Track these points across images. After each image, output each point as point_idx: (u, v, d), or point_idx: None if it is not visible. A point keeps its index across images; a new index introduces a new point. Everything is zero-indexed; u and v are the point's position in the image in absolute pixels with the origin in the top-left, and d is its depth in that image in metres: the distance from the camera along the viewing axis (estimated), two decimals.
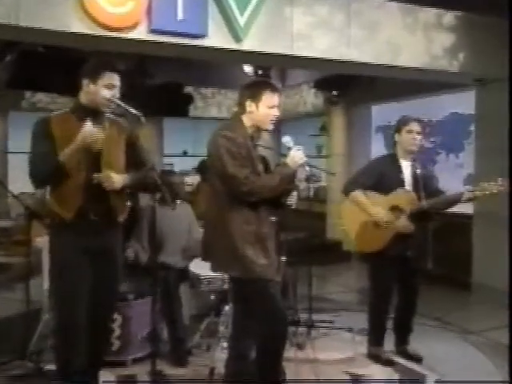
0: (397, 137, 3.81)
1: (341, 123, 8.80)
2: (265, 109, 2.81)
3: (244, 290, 2.85)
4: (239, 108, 2.88)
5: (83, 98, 2.82)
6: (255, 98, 2.82)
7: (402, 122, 3.81)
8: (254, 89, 2.85)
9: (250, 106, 2.82)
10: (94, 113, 2.80)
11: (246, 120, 2.85)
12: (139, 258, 3.91)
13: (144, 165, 2.89)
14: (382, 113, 8.27)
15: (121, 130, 2.93)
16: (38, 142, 2.73)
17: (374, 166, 3.87)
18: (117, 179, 2.79)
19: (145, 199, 3.98)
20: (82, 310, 2.72)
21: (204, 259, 2.95)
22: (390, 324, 3.91)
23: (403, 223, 3.66)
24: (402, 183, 3.74)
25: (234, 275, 2.86)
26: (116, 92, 2.81)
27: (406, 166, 3.79)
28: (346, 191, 3.79)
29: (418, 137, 3.76)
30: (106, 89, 2.77)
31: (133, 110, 2.74)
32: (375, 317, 3.83)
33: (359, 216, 3.71)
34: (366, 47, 5.24)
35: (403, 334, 3.91)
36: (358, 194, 3.72)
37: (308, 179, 3.28)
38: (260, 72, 8.35)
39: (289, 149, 2.84)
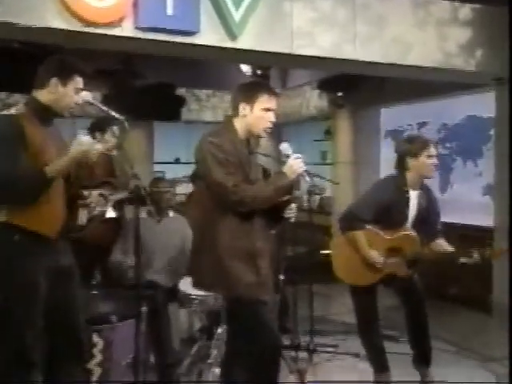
0: (411, 161, 3.65)
1: (347, 127, 8.83)
2: (259, 111, 2.84)
3: (231, 310, 2.87)
4: (232, 111, 2.92)
5: (45, 97, 2.71)
6: (249, 99, 2.84)
7: (422, 145, 3.64)
8: (249, 90, 2.89)
9: (243, 108, 2.85)
10: (55, 114, 2.77)
11: (238, 124, 2.88)
12: (123, 276, 3.92)
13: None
14: (392, 116, 8.30)
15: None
16: (7, 146, 2.51)
17: (380, 196, 3.65)
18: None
19: (131, 210, 4.01)
20: (36, 340, 2.64)
21: (188, 274, 2.97)
22: (393, 347, 3.91)
23: (401, 268, 3.66)
24: (406, 219, 3.69)
25: (219, 293, 2.89)
26: (85, 95, 2.79)
27: (414, 198, 3.72)
28: (344, 229, 3.68)
29: (437, 162, 3.68)
30: (75, 93, 2.74)
31: (115, 114, 2.76)
32: (366, 341, 3.84)
33: (350, 250, 3.68)
34: (372, 45, 5.28)
35: (420, 352, 3.87)
36: (358, 235, 3.63)
37: (310, 191, 3.30)
38: (259, 72, 8.39)
39: (287, 157, 2.86)
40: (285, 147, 2.89)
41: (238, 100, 2.87)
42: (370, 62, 5.33)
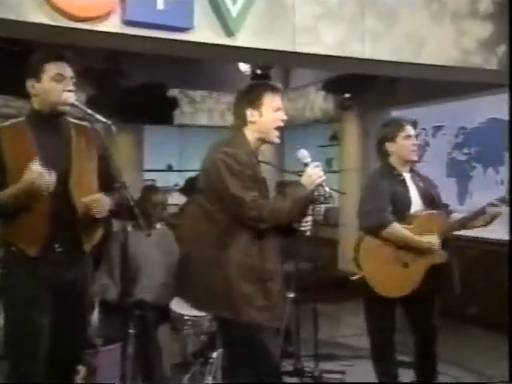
0: (390, 146, 3.75)
1: (355, 132, 8.86)
2: (270, 113, 2.88)
3: (232, 334, 2.86)
4: (238, 120, 2.94)
5: (35, 102, 2.79)
6: (256, 103, 2.88)
7: (396, 127, 3.77)
8: (252, 93, 2.91)
9: (251, 115, 2.88)
10: (52, 119, 2.79)
11: (249, 133, 2.90)
12: (109, 294, 3.91)
13: (113, 183, 2.88)
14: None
15: (90, 139, 2.91)
16: None
17: (381, 184, 3.70)
18: (107, 202, 2.81)
19: (117, 223, 4.01)
20: (41, 358, 2.69)
21: (179, 293, 2.97)
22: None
23: (437, 252, 3.67)
24: (409, 203, 3.72)
25: (221, 316, 2.86)
26: (69, 84, 2.76)
27: (409, 180, 3.79)
28: (379, 227, 3.60)
29: (418, 142, 3.79)
30: (54, 82, 2.72)
31: (101, 118, 2.76)
32: (380, 368, 3.80)
33: (381, 256, 3.66)
34: (382, 42, 5.28)
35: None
36: (398, 227, 3.61)
37: (325, 203, 3.29)
38: (259, 72, 8.42)
39: (305, 165, 2.87)
40: (303, 155, 2.90)
41: (244, 107, 2.90)
42: (379, 61, 5.33)
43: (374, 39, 5.25)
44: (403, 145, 3.73)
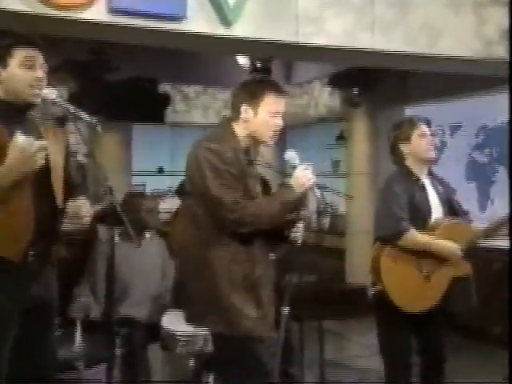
0: (404, 147, 3.81)
1: (364, 131, 8.85)
2: (265, 115, 2.88)
3: (226, 349, 2.87)
4: (231, 113, 2.95)
5: (0, 91, 2.69)
6: (254, 101, 2.89)
7: (410, 126, 3.82)
8: (254, 89, 2.92)
9: (245, 111, 2.89)
10: (17, 111, 2.71)
11: (239, 129, 2.92)
12: (92, 311, 3.91)
13: (73, 187, 2.86)
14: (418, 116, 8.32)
15: (59, 138, 2.87)
16: None
17: (398, 189, 3.72)
18: (89, 210, 2.78)
19: (102, 231, 4.01)
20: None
21: (174, 306, 2.98)
22: None
23: (461, 265, 3.72)
24: (429, 210, 3.75)
25: (212, 329, 2.88)
26: (39, 71, 2.70)
27: (428, 184, 3.83)
28: (396, 235, 3.61)
29: (434, 140, 3.83)
30: (22, 69, 2.66)
31: (85, 116, 2.74)
32: None
33: (403, 267, 3.68)
34: (395, 32, 5.29)
35: None
36: (416, 233, 3.64)
37: (320, 211, 3.30)
38: (258, 65, 8.43)
39: (293, 167, 2.91)
40: (290, 156, 2.94)
41: (240, 100, 2.91)
42: (391, 53, 5.34)
43: (384, 29, 5.25)
44: (418, 144, 3.78)
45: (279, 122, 2.91)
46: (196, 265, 2.84)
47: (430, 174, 3.89)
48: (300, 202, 2.90)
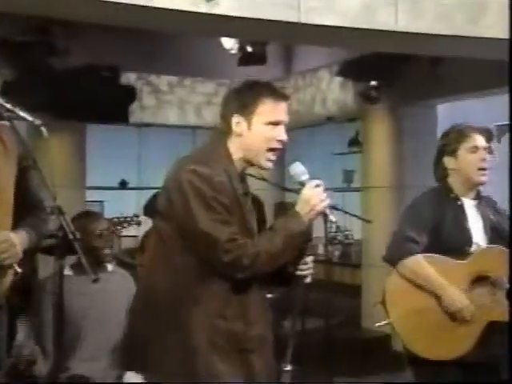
0: (449, 161, 3.82)
1: (384, 133, 8.91)
2: (261, 127, 2.87)
3: None
4: (223, 127, 2.95)
5: None
6: (246, 109, 2.88)
7: (458, 136, 3.82)
8: (244, 94, 2.92)
9: (237, 123, 2.88)
10: None
11: (233, 147, 2.91)
12: (36, 367, 3.88)
13: (39, 206, 2.88)
14: (455, 115, 8.33)
15: (8, 147, 2.91)
16: None
17: (426, 211, 3.80)
18: (19, 243, 2.81)
19: (49, 263, 3.98)
20: None
21: (128, 365, 2.96)
22: None
23: (498, 306, 3.70)
24: (468, 237, 3.77)
25: None
26: None
27: (471, 207, 3.84)
28: (395, 257, 3.74)
29: (488, 157, 3.81)
30: None
31: (26, 115, 2.74)
32: None
33: (417, 299, 3.70)
34: (422, 9, 5.32)
35: None
36: (420, 261, 3.68)
37: (330, 238, 3.32)
38: (249, 49, 8.45)
39: (301, 184, 2.89)
40: (298, 170, 2.93)
41: (231, 111, 2.90)
42: (418, 35, 5.37)
43: (409, 5, 5.29)
44: (467, 160, 3.78)
45: (280, 134, 2.88)
46: (167, 316, 2.81)
47: (479, 196, 3.88)
48: (310, 233, 2.88)
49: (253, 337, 2.85)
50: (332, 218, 2.87)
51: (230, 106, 2.91)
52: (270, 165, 2.91)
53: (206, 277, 2.79)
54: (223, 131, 2.94)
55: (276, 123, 2.88)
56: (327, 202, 2.84)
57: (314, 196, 2.83)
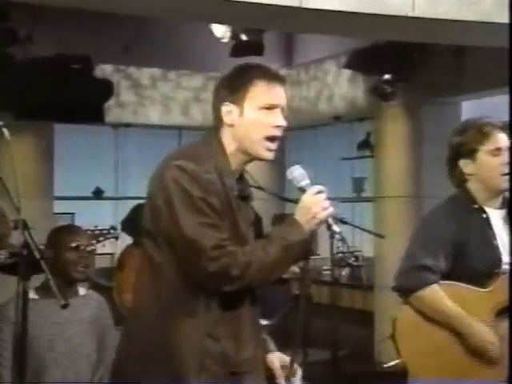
0: (466, 166, 3.76)
1: (400, 135, 8.93)
2: (253, 112, 2.88)
3: None
4: (214, 119, 2.97)
5: None
6: (236, 95, 2.89)
7: (477, 135, 3.74)
8: (233, 79, 2.94)
9: (228, 112, 2.90)
10: None
11: (228, 140, 2.93)
12: None
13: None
14: (481, 113, 8.34)
15: None
16: None
17: (444, 229, 3.74)
18: None
19: (10, 285, 3.98)
20: None
21: None
22: None
23: None
24: (497, 257, 3.71)
25: None
26: None
27: (497, 218, 3.78)
28: (406, 288, 3.71)
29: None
30: None
31: None
32: None
33: (433, 335, 3.68)
34: None
35: None
36: (436, 292, 3.64)
37: (339, 257, 3.36)
38: (244, 37, 8.47)
39: (301, 190, 2.89)
40: (296, 174, 2.92)
41: (220, 99, 2.92)
42: (439, 20, 5.39)
43: None
44: (488, 165, 3.71)
45: (277, 120, 2.89)
46: (152, 337, 2.82)
47: (505, 204, 3.82)
48: (310, 245, 2.88)
49: (245, 359, 2.86)
50: (336, 228, 2.84)
51: (220, 95, 2.92)
52: (270, 155, 2.91)
53: (190, 290, 2.79)
54: (215, 124, 2.95)
55: (270, 107, 2.88)
56: (330, 210, 2.82)
57: (315, 203, 2.82)
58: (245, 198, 2.97)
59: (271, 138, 2.89)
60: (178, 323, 2.79)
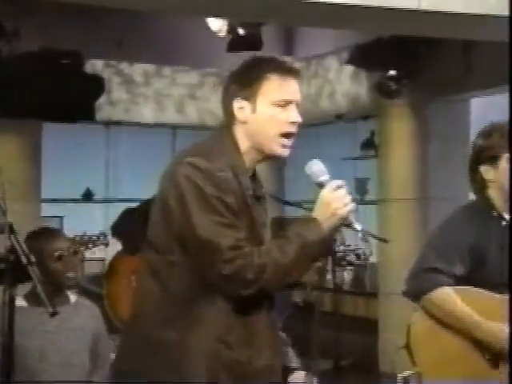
0: (488, 172, 3.76)
1: (406, 134, 8.93)
2: (267, 108, 2.90)
3: None
4: (225, 116, 2.98)
5: None
6: (248, 90, 2.90)
7: (499, 140, 3.73)
8: (246, 73, 2.95)
9: (240, 108, 2.91)
10: None
11: (241, 137, 2.93)
12: None
13: None
14: (492, 112, 8.34)
15: None
16: None
17: (462, 230, 3.76)
18: None
19: None
20: None
21: None
22: None
23: None
24: None
25: None
26: None
27: None
28: (417, 290, 3.73)
29: None
30: None
31: None
32: None
33: (449, 342, 3.69)
34: None
35: None
36: (449, 294, 3.66)
37: (338, 258, 3.36)
38: (241, 31, 8.47)
39: (319, 186, 2.89)
40: (315, 169, 2.93)
41: (231, 95, 2.93)
42: (446, 14, 5.38)
43: None
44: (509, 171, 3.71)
45: (292, 116, 2.91)
46: (154, 342, 2.81)
47: None
48: (330, 243, 2.88)
49: (260, 367, 2.85)
50: (357, 226, 2.86)
51: (230, 90, 2.94)
52: (286, 152, 2.93)
53: (200, 295, 2.79)
54: (226, 121, 2.96)
55: (286, 103, 2.90)
56: (351, 206, 2.84)
57: (335, 199, 2.82)
58: (258, 198, 2.97)
59: (286, 135, 2.91)
60: (187, 328, 2.79)
